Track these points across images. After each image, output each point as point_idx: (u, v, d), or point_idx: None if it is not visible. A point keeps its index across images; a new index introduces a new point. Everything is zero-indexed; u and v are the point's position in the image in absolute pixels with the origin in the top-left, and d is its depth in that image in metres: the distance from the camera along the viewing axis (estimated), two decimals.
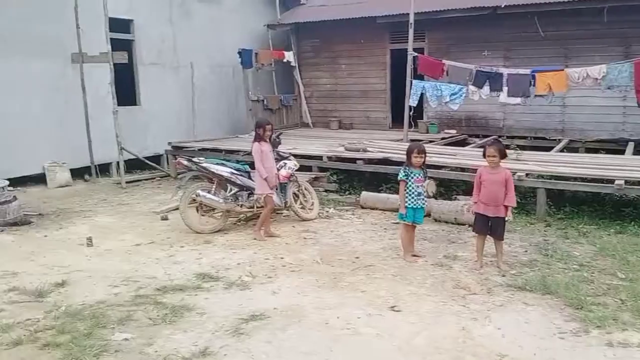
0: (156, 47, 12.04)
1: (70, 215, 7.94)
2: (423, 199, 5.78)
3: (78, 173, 10.45)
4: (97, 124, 10.42)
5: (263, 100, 13.63)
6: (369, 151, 9.27)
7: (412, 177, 5.72)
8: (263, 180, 6.64)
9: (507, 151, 5.81)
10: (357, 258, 5.84)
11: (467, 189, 8.66)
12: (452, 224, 7.27)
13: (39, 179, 9.89)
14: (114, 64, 9.94)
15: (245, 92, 13.20)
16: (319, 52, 14.58)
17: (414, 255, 5.84)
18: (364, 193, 8.41)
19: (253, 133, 7.49)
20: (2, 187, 7.54)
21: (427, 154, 5.99)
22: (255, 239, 6.59)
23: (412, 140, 10.99)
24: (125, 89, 11.39)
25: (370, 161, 9.01)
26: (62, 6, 9.96)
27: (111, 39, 9.87)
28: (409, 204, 5.73)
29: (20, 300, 4.61)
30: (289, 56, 14.32)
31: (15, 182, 9.10)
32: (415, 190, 5.72)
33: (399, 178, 5.83)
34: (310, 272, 5.36)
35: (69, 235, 6.86)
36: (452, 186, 8.73)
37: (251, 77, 13.46)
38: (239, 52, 12.84)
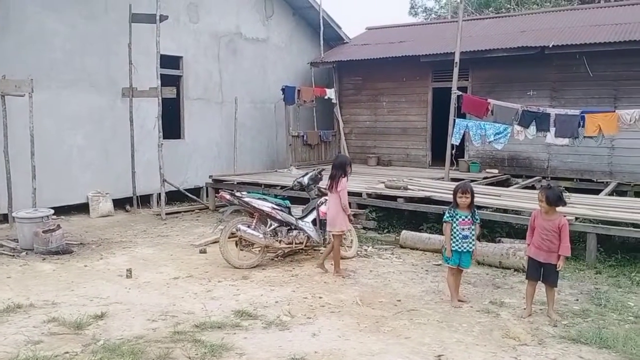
0: (203, 82, 12.33)
1: (110, 245, 8.01)
2: (470, 243, 5.55)
3: (119, 203, 10.61)
4: (141, 155, 10.64)
5: (303, 136, 13.72)
6: (409, 189, 9.11)
7: (458, 219, 5.53)
8: (346, 216, 6.57)
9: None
10: (399, 301, 5.63)
11: (511, 231, 8.38)
12: (496, 267, 6.98)
13: (82, 208, 10.08)
14: (162, 99, 10.19)
15: (286, 128, 13.31)
16: (360, 89, 14.65)
17: (460, 300, 5.59)
18: (404, 232, 8.21)
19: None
20: (47, 216, 7.69)
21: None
22: (340, 276, 6.48)
23: (453, 179, 10.83)
24: (171, 123, 11.63)
25: (411, 199, 8.83)
26: (116, 43, 10.35)
27: (161, 74, 10.14)
28: (454, 247, 5.53)
29: (59, 332, 4.58)
30: (330, 93, 14.44)
31: (60, 211, 9.28)
32: (460, 233, 5.51)
33: (443, 219, 5.65)
34: (350, 314, 5.17)
35: (108, 266, 6.88)
36: (495, 228, 8.44)
37: (292, 113, 13.60)
38: (282, 89, 13.01)
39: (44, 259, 7.08)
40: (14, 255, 7.19)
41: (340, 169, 6.59)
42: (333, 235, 6.68)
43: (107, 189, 10.28)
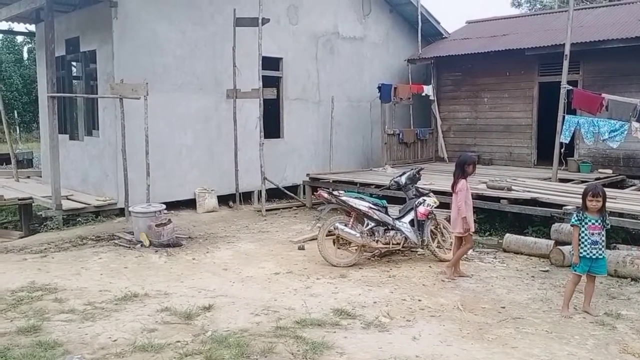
0: (301, 83, 12.58)
1: (215, 239, 8.40)
2: (600, 249, 5.15)
3: (223, 199, 11.10)
4: (243, 154, 11.05)
5: (399, 134, 13.55)
6: (513, 190, 8.68)
7: (587, 223, 5.17)
8: (462, 218, 6.34)
9: None
10: (503, 308, 5.38)
11: (627, 237, 7.71)
12: (612, 276, 6.44)
13: (190, 204, 10.66)
14: (263, 99, 10.52)
15: (382, 126, 13.21)
16: (459, 85, 14.20)
17: (585, 312, 5.23)
18: (507, 235, 7.83)
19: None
20: (160, 211, 8.22)
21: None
22: (447, 278, 6.34)
23: (561, 180, 10.18)
24: (271, 122, 11.98)
25: (515, 201, 8.40)
26: (221, 46, 10.84)
27: (262, 75, 10.48)
28: (582, 253, 5.18)
29: (171, 321, 4.87)
30: (428, 90, 14.13)
31: (169, 205, 9.89)
32: (590, 238, 5.13)
33: (570, 223, 5.33)
34: (451, 319, 5.02)
35: (214, 260, 7.22)
36: (610, 233, 7.79)
37: (388, 111, 13.48)
38: (379, 87, 12.91)
39: (157, 251, 7.58)
40: (129, 247, 7.77)
41: (459, 169, 6.42)
42: (454, 237, 6.58)
43: (212, 186, 10.80)
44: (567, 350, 4.35)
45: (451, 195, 6.66)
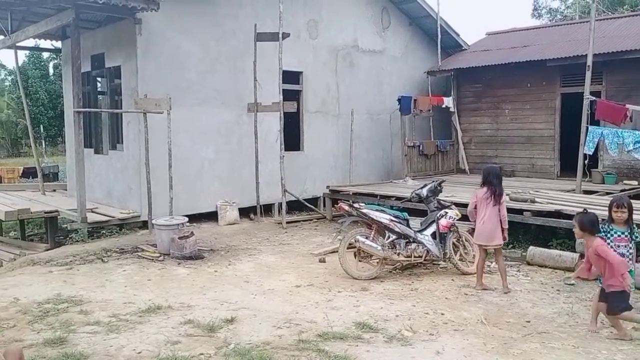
0: (321, 96, 12.65)
1: (237, 252, 8.44)
2: (627, 262, 5.04)
3: (244, 212, 11.16)
4: (264, 167, 11.13)
5: (419, 146, 13.52)
6: (537, 202, 8.56)
7: (612, 235, 5.08)
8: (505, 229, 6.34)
9: None
10: (528, 322, 5.29)
11: None
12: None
13: (211, 216, 10.74)
14: (283, 112, 10.59)
15: (402, 138, 13.19)
16: (480, 97, 14.13)
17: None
18: (531, 248, 7.72)
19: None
20: (182, 224, 8.30)
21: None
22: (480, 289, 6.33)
23: (585, 192, 10.03)
24: (291, 135, 12.05)
25: (538, 213, 8.28)
26: (242, 61, 10.97)
27: (282, 89, 10.56)
28: None
29: (194, 333, 4.90)
30: (448, 102, 14.09)
31: (192, 218, 9.97)
32: (615, 251, 5.04)
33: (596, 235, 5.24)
34: (475, 334, 4.95)
35: (235, 272, 7.25)
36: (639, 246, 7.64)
37: (408, 123, 13.47)
38: (399, 99, 12.92)
39: (179, 263, 7.64)
40: (153, 259, 7.84)
41: (498, 179, 6.38)
42: (495, 249, 6.43)
43: (233, 199, 10.87)
44: None
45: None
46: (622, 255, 5.03)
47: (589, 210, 5.18)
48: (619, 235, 5.07)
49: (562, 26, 15.38)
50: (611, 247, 5.05)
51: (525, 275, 7.08)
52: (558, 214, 8.05)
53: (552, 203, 8.57)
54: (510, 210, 8.44)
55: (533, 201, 8.58)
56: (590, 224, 4.92)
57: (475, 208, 6.44)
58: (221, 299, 6.01)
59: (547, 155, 12.97)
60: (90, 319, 5.24)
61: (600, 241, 4.92)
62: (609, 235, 5.11)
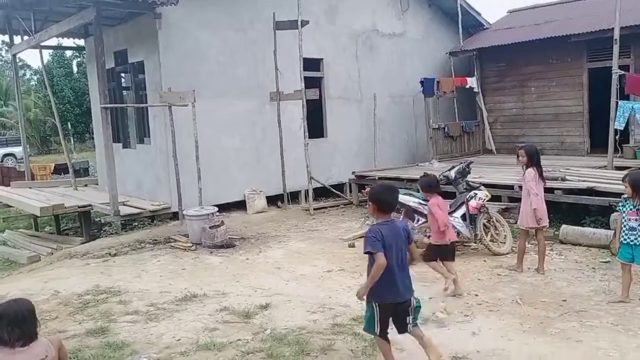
0: (342, 82, 12.58)
1: (267, 239, 8.50)
2: (637, 235, 4.98)
3: (272, 200, 11.22)
4: (288, 155, 11.14)
5: (444, 128, 13.37)
6: (568, 180, 8.40)
7: (627, 210, 5.03)
8: (532, 210, 6.06)
9: None
10: (564, 301, 5.22)
11: None
12: None
13: (239, 205, 10.83)
14: (306, 100, 10.57)
15: (426, 120, 13.06)
16: (504, 76, 13.88)
17: (621, 302, 5.06)
18: (564, 226, 7.59)
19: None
20: (212, 213, 8.39)
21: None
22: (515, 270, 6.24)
23: (617, 168, 9.80)
24: (314, 123, 12.03)
25: (570, 191, 8.14)
26: (262, 51, 10.96)
27: (304, 77, 10.53)
28: (621, 239, 5.08)
29: (230, 320, 4.97)
30: (472, 82, 13.88)
31: (221, 208, 10.06)
32: (627, 224, 5.03)
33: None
34: (511, 314, 4.92)
35: (267, 259, 7.31)
36: None
37: (432, 105, 13.31)
38: (421, 81, 12.78)
39: (211, 252, 7.74)
40: (185, 249, 7.96)
41: (528, 159, 6.16)
42: (539, 230, 6.20)
43: (260, 187, 10.94)
44: (636, 343, 4.18)
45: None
46: (633, 229, 4.96)
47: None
48: (630, 209, 5.03)
49: (585, 1, 14.92)
50: (624, 220, 5.04)
51: (559, 254, 6.98)
52: (590, 191, 7.89)
53: (584, 180, 8.40)
54: None
55: (564, 179, 8.43)
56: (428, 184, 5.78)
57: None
58: (254, 285, 6.08)
59: (576, 132, 12.70)
60: (129, 309, 5.36)
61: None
62: (624, 209, 5.09)
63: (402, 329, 3.68)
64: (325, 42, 12.17)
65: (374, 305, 3.57)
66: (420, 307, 3.74)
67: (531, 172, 6.08)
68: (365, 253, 3.59)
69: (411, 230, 4.03)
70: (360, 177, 11.51)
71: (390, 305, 3.55)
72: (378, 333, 3.61)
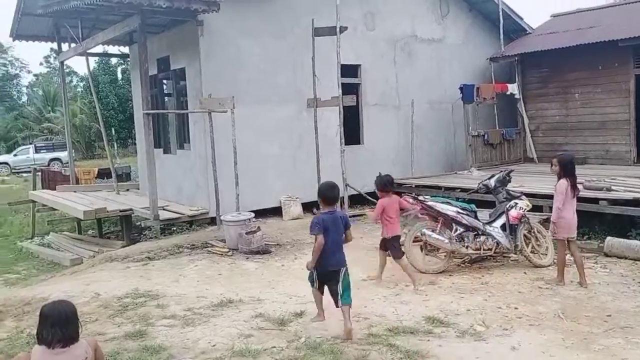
0: (380, 88, 12.53)
1: (302, 246, 8.51)
2: None
3: (307, 207, 11.22)
4: (324, 162, 11.11)
5: (484, 135, 13.14)
6: (613, 190, 8.11)
7: None
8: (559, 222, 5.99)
9: None
10: (609, 316, 5.03)
11: None
12: None
13: (275, 211, 10.89)
14: (343, 107, 10.57)
15: (465, 128, 12.86)
16: (546, 82, 13.53)
17: None
18: (609, 239, 7.33)
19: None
20: (249, 219, 8.47)
21: None
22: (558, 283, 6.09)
23: None
24: (350, 129, 12.01)
25: (615, 202, 7.85)
26: (300, 57, 11.03)
27: (341, 83, 10.53)
28: None
29: (265, 327, 4.98)
30: (513, 88, 13.59)
31: (257, 214, 10.15)
32: None
33: None
34: (553, 329, 4.76)
35: (302, 266, 7.20)
36: None
37: (471, 112, 13.10)
38: (460, 88, 12.60)
39: (247, 258, 7.81)
40: (222, 254, 8.06)
41: (563, 169, 6.04)
42: (572, 240, 6.15)
43: (296, 194, 10.98)
44: None
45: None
46: None
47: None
48: None
49: (631, 4, 14.40)
50: None
51: (603, 267, 6.74)
52: (637, 202, 7.60)
53: (630, 191, 8.09)
54: (585, 200, 8.11)
55: (609, 189, 8.14)
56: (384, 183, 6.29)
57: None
58: (289, 292, 6.09)
59: (622, 140, 12.25)
60: (167, 313, 5.45)
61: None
62: None
63: (334, 296, 4.80)
64: (363, 48, 12.16)
65: (313, 272, 4.89)
66: (349, 281, 4.85)
67: (563, 183, 5.96)
68: (311, 234, 4.86)
69: (349, 218, 5.30)
70: (397, 184, 11.38)
71: (325, 271, 4.82)
72: (316, 287, 4.96)
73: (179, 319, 5.25)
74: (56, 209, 13.21)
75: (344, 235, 4.93)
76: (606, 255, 7.19)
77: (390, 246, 6.31)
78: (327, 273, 4.81)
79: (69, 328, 2.94)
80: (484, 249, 6.79)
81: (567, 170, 5.98)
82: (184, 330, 4.95)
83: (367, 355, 4.22)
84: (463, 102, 12.67)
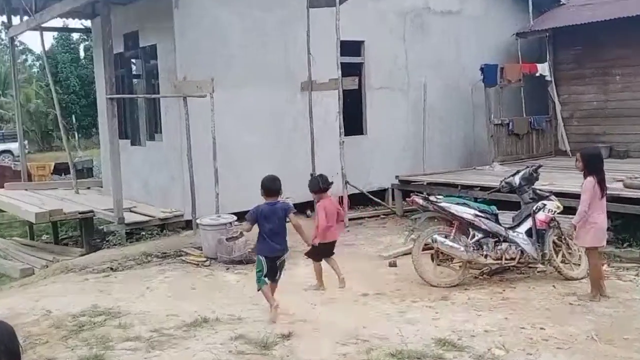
0: (386, 68, 12.50)
1: (292, 254, 8.38)
2: None
3: (299, 207, 11.10)
4: (321, 155, 11.06)
5: (508, 124, 13.17)
6: None
7: None
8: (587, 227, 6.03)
9: None
10: None
11: None
12: None
13: None
14: (343, 91, 10.51)
15: (487, 115, 12.87)
16: (582, 62, 13.59)
17: None
18: None
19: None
20: (230, 223, 8.45)
21: None
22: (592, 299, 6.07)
23: None
24: (352, 117, 11.96)
25: None
26: (292, 33, 10.99)
27: (340, 63, 10.46)
28: None
29: (246, 351, 4.95)
30: (543, 69, 13.62)
31: (240, 216, 10.10)
32: None
33: None
34: (584, 353, 4.76)
35: (292, 278, 7.28)
36: None
37: (494, 96, 13.09)
38: (481, 68, 12.64)
39: (228, 268, 7.82)
40: (198, 264, 8.03)
41: (592, 164, 6.11)
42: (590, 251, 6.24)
43: (287, 193, 10.84)
44: None
45: (579, 198, 6.30)
46: None
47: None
48: None
49: None
50: None
51: None
52: None
53: None
54: (624, 200, 8.12)
55: None
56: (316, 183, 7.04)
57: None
58: None
59: None
60: (130, 334, 5.41)
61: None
62: None
63: (272, 277, 5.91)
64: (368, 21, 12.10)
65: (261, 258, 5.88)
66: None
67: (590, 181, 5.98)
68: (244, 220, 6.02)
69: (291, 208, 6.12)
70: (405, 182, 11.41)
71: (268, 258, 5.86)
72: (264, 274, 5.83)
73: (143, 342, 5.22)
74: (4, 211, 13.17)
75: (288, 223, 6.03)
76: None
77: (322, 250, 6.81)
78: (271, 259, 5.86)
79: (4, 355, 2.88)
80: (505, 259, 6.78)
81: (590, 165, 6.03)
82: (149, 355, 4.92)
83: None
84: (484, 84, 12.72)
